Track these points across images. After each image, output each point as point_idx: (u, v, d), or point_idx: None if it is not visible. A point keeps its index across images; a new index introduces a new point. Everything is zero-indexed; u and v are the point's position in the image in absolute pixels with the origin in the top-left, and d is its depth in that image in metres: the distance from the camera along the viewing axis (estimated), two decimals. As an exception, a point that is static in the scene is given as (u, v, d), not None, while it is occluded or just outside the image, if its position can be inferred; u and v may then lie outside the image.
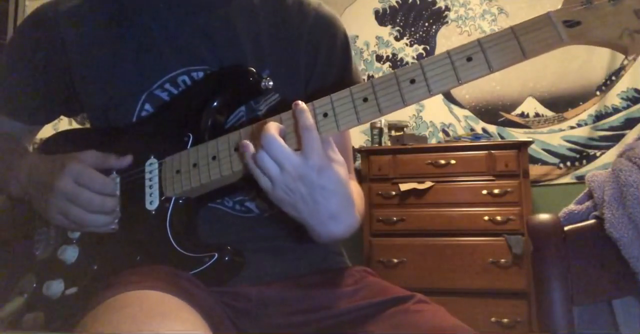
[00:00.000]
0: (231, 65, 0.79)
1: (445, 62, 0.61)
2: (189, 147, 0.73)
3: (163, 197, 0.73)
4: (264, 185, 0.64)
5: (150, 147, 0.76)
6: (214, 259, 0.68)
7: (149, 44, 0.80)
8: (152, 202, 0.73)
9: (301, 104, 0.64)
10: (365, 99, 0.63)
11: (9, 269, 0.82)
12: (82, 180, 0.72)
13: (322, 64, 0.86)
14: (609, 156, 2.55)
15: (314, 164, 0.61)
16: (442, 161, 2.27)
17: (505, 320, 2.08)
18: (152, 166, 0.75)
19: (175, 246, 0.70)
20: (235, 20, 0.83)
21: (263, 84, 0.73)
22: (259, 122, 0.67)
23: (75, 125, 2.85)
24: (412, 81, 0.61)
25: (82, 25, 0.83)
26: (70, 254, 0.76)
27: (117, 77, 0.80)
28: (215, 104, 0.74)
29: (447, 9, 2.86)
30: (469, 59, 0.60)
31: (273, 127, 0.63)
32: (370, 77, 2.92)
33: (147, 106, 0.79)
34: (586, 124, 2.62)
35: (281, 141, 0.62)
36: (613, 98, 2.60)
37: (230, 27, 0.82)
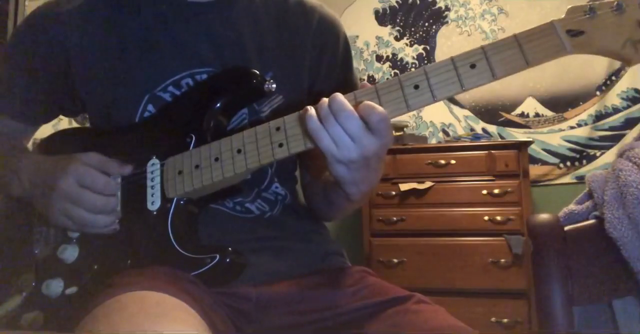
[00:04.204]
0: (234, 67, 0.79)
1: (449, 68, 0.61)
2: (191, 148, 0.73)
3: (165, 198, 0.73)
4: (329, 151, 0.62)
5: (152, 148, 0.76)
6: (216, 260, 0.68)
7: (152, 46, 0.80)
8: (153, 202, 0.73)
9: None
10: None
11: (7, 267, 0.82)
12: (84, 181, 0.72)
13: (326, 66, 0.87)
14: (609, 156, 2.55)
15: (387, 142, 0.63)
16: (442, 161, 2.27)
17: (505, 320, 2.07)
18: (154, 166, 0.75)
19: (177, 247, 0.70)
20: (239, 23, 0.83)
21: (266, 86, 0.72)
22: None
23: (75, 125, 2.85)
24: (416, 87, 0.61)
25: (84, 26, 0.82)
26: (70, 253, 0.75)
27: (120, 78, 0.80)
28: (218, 105, 0.74)
29: (447, 9, 2.86)
30: (473, 66, 0.60)
31: (348, 103, 0.62)
32: (370, 77, 2.92)
33: (150, 107, 0.79)
34: (586, 124, 2.62)
35: (360, 119, 0.61)
36: (613, 98, 2.59)
37: (235, 30, 0.82)
